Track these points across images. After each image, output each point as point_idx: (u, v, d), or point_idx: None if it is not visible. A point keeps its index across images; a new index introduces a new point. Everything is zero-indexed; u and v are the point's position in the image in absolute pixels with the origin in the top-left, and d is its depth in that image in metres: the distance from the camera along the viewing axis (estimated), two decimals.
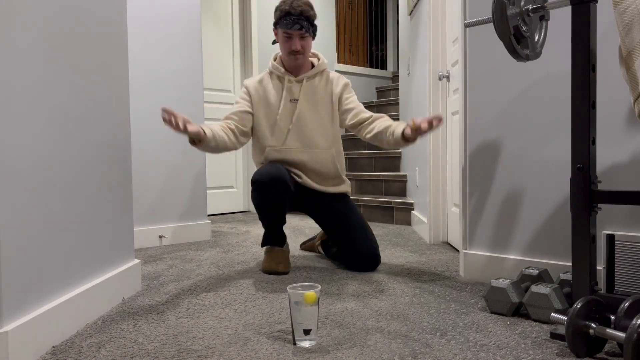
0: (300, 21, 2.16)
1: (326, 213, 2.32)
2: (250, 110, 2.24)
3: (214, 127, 2.08)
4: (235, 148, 2.19)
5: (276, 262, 2.17)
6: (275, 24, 2.23)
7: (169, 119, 1.75)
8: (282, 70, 2.26)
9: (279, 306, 1.69)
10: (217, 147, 2.08)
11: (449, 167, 2.79)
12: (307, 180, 2.28)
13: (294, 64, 2.24)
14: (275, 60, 2.32)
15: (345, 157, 4.55)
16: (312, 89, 2.26)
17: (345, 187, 2.35)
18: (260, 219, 2.21)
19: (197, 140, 1.99)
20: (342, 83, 2.29)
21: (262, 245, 2.28)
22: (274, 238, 2.25)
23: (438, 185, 2.88)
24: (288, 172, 2.23)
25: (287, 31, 2.18)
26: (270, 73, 2.30)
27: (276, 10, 2.20)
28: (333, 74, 2.32)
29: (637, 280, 1.55)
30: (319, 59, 2.33)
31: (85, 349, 1.33)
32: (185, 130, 1.81)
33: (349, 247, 2.22)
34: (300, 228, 3.56)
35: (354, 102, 2.27)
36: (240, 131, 2.20)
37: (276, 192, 2.10)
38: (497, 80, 1.93)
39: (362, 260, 2.19)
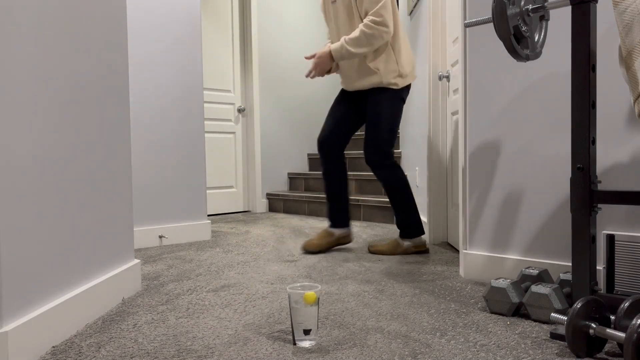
0: None
1: (366, 109, 2.62)
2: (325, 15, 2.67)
3: None
4: None
5: (316, 241, 2.57)
6: None
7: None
8: None
9: (279, 306, 1.69)
10: None
11: (449, 167, 2.79)
12: (346, 82, 2.60)
13: None
14: None
15: (345, 157, 4.54)
16: None
17: (378, 77, 2.49)
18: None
19: None
20: None
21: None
22: (332, 216, 2.62)
23: (438, 185, 2.88)
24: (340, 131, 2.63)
25: None
26: None
27: None
28: None
29: (637, 280, 1.55)
30: None
31: (85, 349, 1.33)
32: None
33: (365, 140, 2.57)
34: (300, 228, 3.56)
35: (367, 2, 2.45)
36: None
37: (324, 157, 2.63)
38: (497, 80, 1.93)
39: (366, 156, 2.55)
